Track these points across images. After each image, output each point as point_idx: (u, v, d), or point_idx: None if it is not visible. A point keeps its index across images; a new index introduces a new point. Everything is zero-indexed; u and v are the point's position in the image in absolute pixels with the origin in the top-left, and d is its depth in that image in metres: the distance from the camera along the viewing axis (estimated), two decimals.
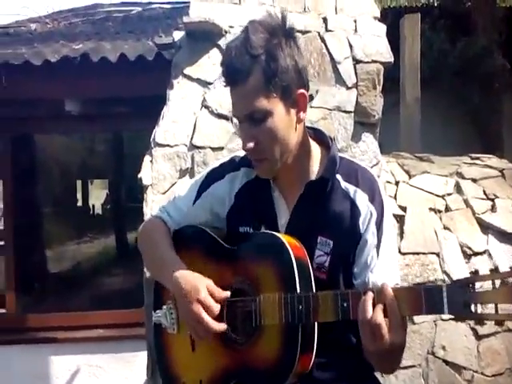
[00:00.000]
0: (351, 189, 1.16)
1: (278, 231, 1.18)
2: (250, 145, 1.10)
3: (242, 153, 1.28)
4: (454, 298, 0.91)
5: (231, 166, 1.27)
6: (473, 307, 0.90)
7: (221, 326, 1.12)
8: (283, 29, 1.10)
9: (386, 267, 1.14)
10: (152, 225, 1.34)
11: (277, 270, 1.11)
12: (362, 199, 1.15)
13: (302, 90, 1.11)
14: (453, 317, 1.00)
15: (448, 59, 5.21)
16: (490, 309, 0.91)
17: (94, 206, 9.19)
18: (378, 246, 1.14)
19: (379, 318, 0.94)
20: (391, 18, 4.00)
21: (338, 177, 1.17)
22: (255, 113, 1.08)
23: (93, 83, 2.80)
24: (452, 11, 5.61)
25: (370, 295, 0.97)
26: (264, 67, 1.07)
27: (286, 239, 1.11)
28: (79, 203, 8.34)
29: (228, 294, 1.14)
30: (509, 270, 0.90)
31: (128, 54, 2.71)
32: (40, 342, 3.00)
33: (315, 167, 1.18)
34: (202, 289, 1.12)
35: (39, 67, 2.69)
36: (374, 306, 0.96)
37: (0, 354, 2.99)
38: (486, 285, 0.91)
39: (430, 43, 5.01)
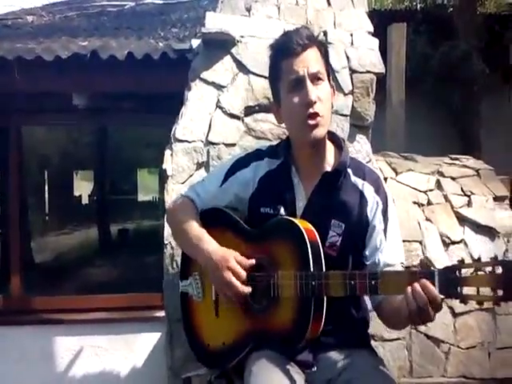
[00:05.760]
0: (359, 182, 1.35)
1: (296, 213, 1.34)
2: (315, 98, 1.27)
3: (265, 146, 1.45)
4: (444, 281, 1.07)
5: (256, 156, 1.43)
6: (459, 289, 1.06)
7: (247, 289, 1.27)
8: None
9: (392, 248, 1.33)
10: (182, 204, 1.48)
11: (293, 251, 1.26)
12: (369, 191, 1.34)
13: (333, 83, 1.35)
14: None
15: (430, 62, 5.26)
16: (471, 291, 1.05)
17: (81, 196, 9.24)
18: (385, 231, 1.32)
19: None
20: (376, 21, 4.15)
21: (349, 171, 1.35)
22: (319, 73, 1.29)
23: (99, 79, 2.83)
24: (435, 16, 5.68)
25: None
26: (319, 45, 1.31)
27: (301, 224, 1.27)
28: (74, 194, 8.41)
29: (253, 261, 1.29)
30: (488, 260, 1.05)
31: (135, 52, 2.75)
32: (45, 324, 3.01)
33: (330, 161, 1.36)
34: (231, 258, 1.28)
35: (50, 63, 2.70)
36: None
37: (6, 334, 2.99)
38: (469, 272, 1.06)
39: (413, 46, 4.97)
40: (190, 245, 1.40)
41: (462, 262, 1.08)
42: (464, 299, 1.06)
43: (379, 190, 1.36)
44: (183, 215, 1.45)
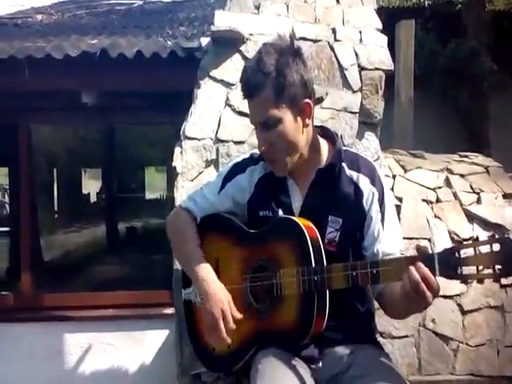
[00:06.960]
0: (354, 174, 1.34)
1: (293, 213, 1.33)
2: (263, 148, 1.28)
3: None
4: (444, 263, 1.07)
5: (251, 161, 1.43)
6: (459, 270, 1.06)
7: (228, 341, 1.27)
8: (291, 49, 1.28)
9: (391, 237, 1.32)
10: (179, 217, 1.48)
11: (294, 249, 1.26)
12: (364, 182, 1.33)
13: (307, 100, 1.28)
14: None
15: (438, 60, 5.25)
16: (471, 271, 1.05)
17: (89, 195, 9.32)
18: (382, 220, 1.31)
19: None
20: (384, 18, 4.13)
21: (344, 165, 1.34)
22: (268, 120, 1.25)
23: (108, 77, 2.84)
24: (443, 13, 5.62)
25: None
26: (274, 82, 1.23)
27: (301, 222, 1.27)
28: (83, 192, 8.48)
29: (240, 316, 1.29)
30: (487, 238, 1.05)
31: (144, 50, 2.76)
32: (54, 321, 3.04)
33: (323, 158, 1.36)
34: (226, 299, 1.28)
35: (60, 61, 2.72)
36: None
37: (17, 331, 3.01)
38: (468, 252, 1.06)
39: (422, 44, 5.00)
40: (186, 266, 1.42)
41: (460, 242, 1.10)
42: (465, 279, 1.08)
43: (375, 180, 1.34)
44: (180, 232, 1.45)
